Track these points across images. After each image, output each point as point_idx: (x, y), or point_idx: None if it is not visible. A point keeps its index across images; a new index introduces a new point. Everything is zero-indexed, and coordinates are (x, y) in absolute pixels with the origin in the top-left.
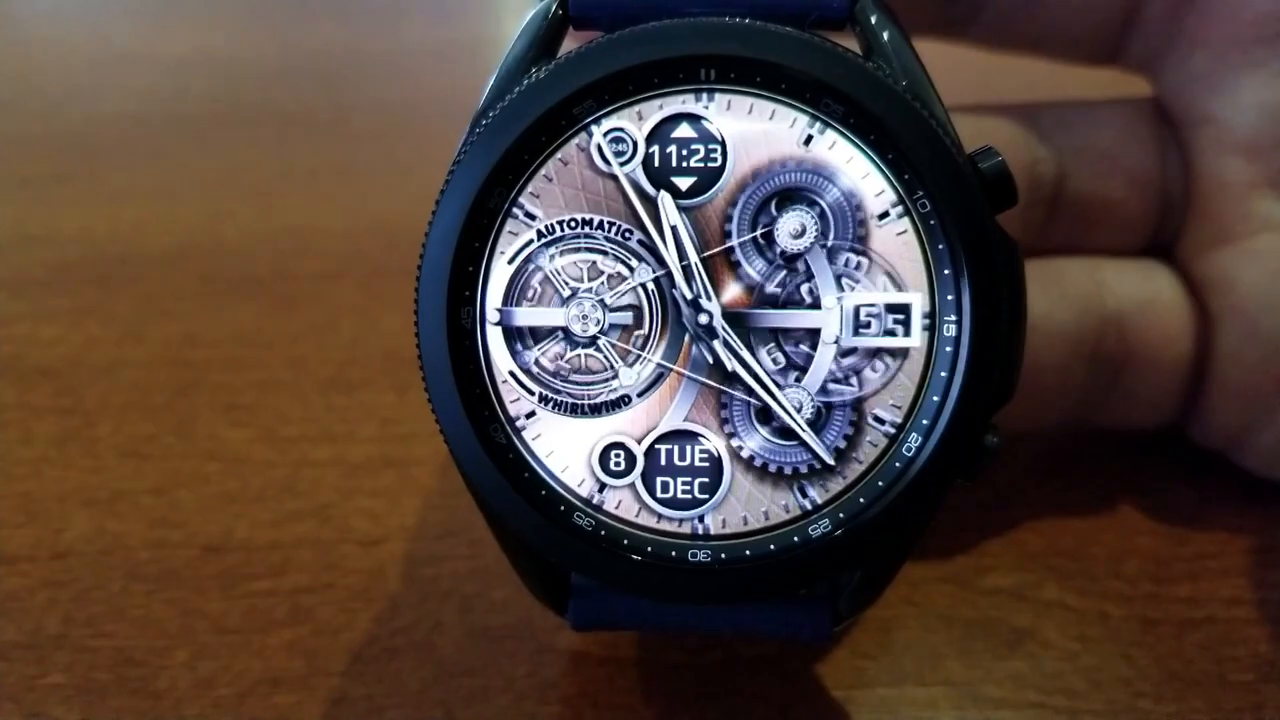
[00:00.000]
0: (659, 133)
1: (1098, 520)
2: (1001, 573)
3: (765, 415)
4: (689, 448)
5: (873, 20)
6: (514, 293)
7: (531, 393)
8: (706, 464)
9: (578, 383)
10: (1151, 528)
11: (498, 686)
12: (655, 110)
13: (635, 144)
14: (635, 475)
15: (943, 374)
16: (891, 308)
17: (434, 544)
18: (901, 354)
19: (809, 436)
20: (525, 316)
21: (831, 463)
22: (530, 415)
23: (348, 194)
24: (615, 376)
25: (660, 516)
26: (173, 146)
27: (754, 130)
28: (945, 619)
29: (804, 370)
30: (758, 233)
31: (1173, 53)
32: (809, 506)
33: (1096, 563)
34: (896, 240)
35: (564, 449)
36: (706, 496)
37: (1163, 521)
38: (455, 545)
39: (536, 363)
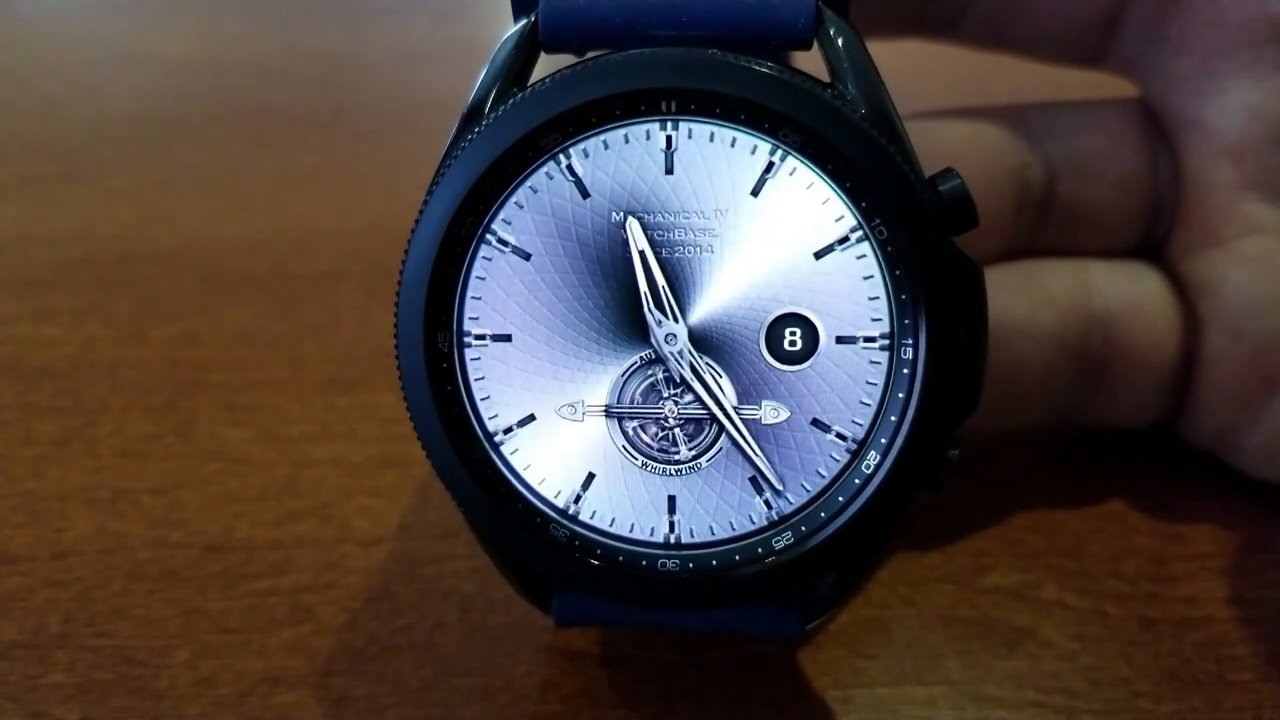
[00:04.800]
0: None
1: (1097, 520)
2: (1000, 572)
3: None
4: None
5: (839, 43)
6: None
7: None
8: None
9: None
10: (1151, 527)
11: (498, 686)
12: (620, 140)
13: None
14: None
15: (900, 395)
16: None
17: (434, 544)
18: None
19: (760, 461)
20: None
21: (779, 487)
22: (507, 431)
23: (348, 194)
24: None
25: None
26: (173, 146)
27: (715, 160)
28: (944, 618)
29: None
30: None
31: (1159, 56)
32: (774, 517)
33: (1095, 562)
34: (857, 264)
35: (541, 463)
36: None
37: (1162, 521)
38: (455, 545)
39: None
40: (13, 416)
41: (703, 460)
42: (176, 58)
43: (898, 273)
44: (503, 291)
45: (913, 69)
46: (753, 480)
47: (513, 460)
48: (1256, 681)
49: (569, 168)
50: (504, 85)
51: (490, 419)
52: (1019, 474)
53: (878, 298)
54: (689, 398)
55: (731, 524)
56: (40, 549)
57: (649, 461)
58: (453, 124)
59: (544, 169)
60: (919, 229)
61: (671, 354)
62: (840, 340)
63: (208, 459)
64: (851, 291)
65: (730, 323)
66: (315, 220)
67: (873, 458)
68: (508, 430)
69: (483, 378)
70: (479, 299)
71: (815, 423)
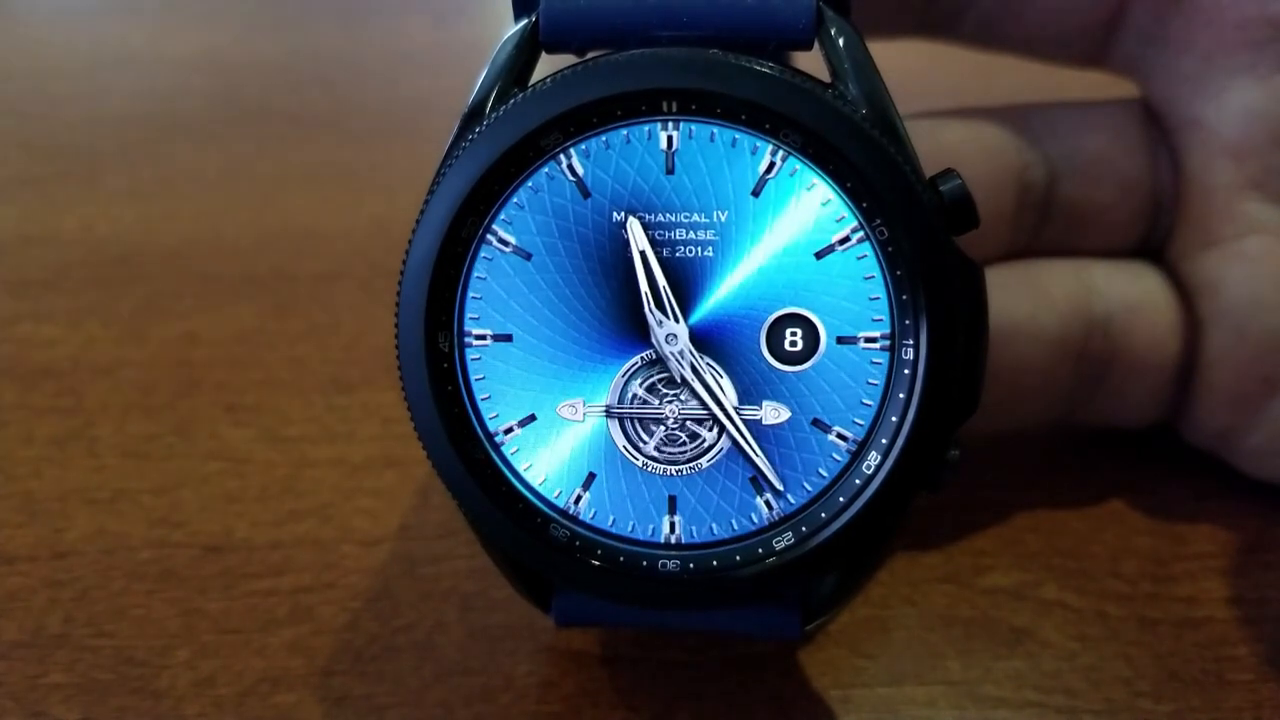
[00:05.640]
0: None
1: (1097, 520)
2: (1001, 572)
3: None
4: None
5: (840, 44)
6: None
7: None
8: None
9: None
10: (1151, 527)
11: (498, 685)
12: (621, 140)
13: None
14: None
15: (900, 395)
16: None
17: (434, 544)
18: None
19: (761, 461)
20: None
21: (780, 487)
22: (508, 431)
23: (348, 194)
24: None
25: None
26: (173, 146)
27: (715, 160)
28: (945, 618)
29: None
30: None
31: (1159, 56)
32: (775, 518)
33: (1096, 562)
34: (858, 265)
35: (542, 463)
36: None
37: (1162, 521)
38: (455, 545)
39: None
40: (13, 416)
41: (703, 460)
42: (176, 58)
43: (898, 273)
44: (503, 291)
45: (913, 69)
46: (753, 480)
47: (513, 460)
48: (1256, 681)
49: (570, 168)
50: (505, 85)
51: (491, 419)
52: (1019, 474)
53: (878, 298)
54: (689, 398)
55: (732, 524)
56: (40, 549)
57: (649, 462)
58: (453, 124)
59: (545, 169)
60: (920, 229)
61: (672, 354)
62: (841, 340)
63: (208, 459)
64: (852, 292)
65: (731, 323)
66: (315, 220)
67: (873, 458)
68: (508, 430)
69: (483, 378)
70: (480, 299)
71: (816, 423)
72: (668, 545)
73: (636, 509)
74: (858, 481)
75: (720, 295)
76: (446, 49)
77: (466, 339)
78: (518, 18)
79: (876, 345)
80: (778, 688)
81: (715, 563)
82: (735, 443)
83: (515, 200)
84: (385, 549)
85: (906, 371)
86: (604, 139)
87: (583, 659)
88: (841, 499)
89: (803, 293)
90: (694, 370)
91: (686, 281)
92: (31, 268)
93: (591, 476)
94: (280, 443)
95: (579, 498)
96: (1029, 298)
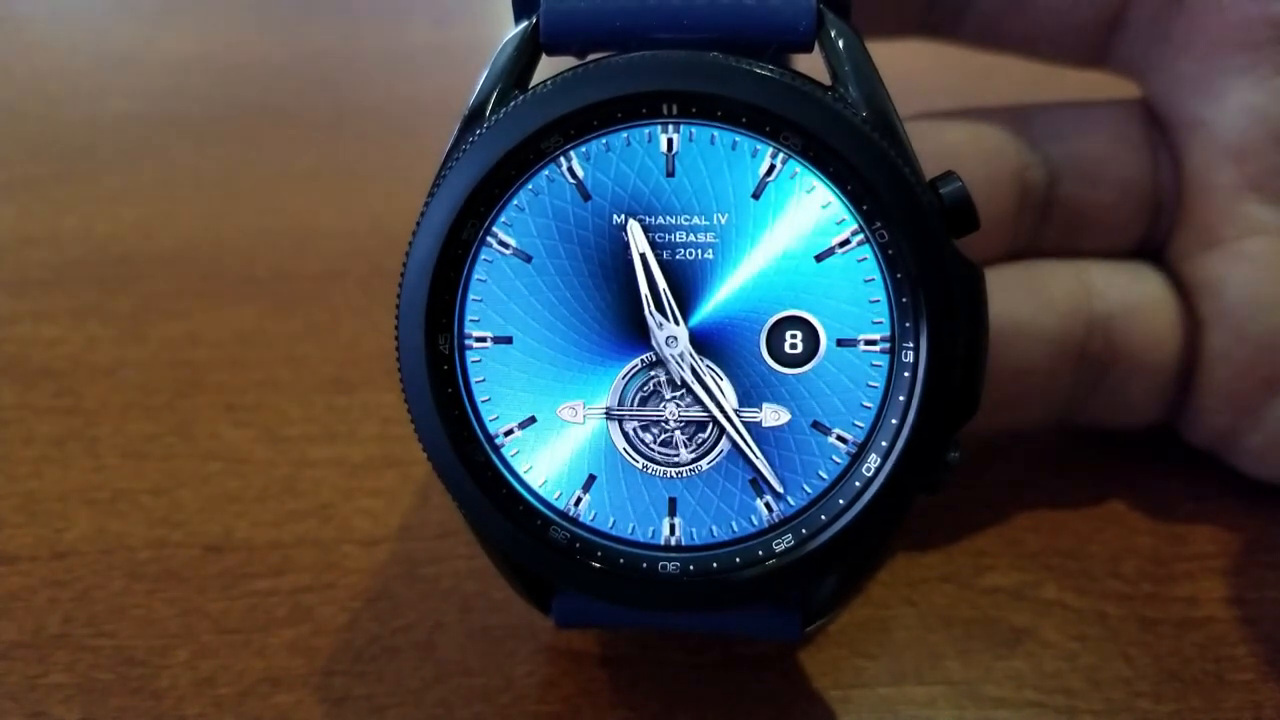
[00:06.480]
0: None
1: (1097, 520)
2: (1001, 572)
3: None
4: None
5: (840, 46)
6: None
7: None
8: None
9: None
10: (1151, 527)
11: (498, 686)
12: (621, 143)
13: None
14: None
15: (900, 398)
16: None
17: (434, 544)
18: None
19: (761, 464)
20: None
21: (780, 489)
22: (508, 433)
23: (348, 194)
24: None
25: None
26: (173, 146)
27: (716, 163)
28: (945, 618)
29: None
30: None
31: (1160, 56)
32: (775, 520)
33: (1095, 562)
34: (858, 267)
35: (542, 464)
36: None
37: (1162, 521)
38: (455, 545)
39: None
40: (13, 416)
41: (703, 463)
42: (176, 58)
43: (898, 276)
44: (503, 294)
45: (913, 69)
46: (753, 483)
47: (513, 462)
48: (1256, 681)
49: (570, 170)
50: (505, 87)
51: (491, 421)
52: (1019, 474)
53: (878, 301)
54: (690, 400)
55: (732, 526)
56: (40, 549)
57: (649, 464)
58: (454, 126)
59: (545, 171)
60: (920, 232)
61: (672, 356)
62: (841, 343)
63: (208, 459)
64: (852, 294)
65: (731, 325)
66: (315, 220)
67: (873, 460)
68: (508, 432)
69: (483, 380)
70: (480, 301)
71: (816, 425)
72: (668, 547)
73: (636, 511)
74: (857, 484)
75: (720, 298)
76: (446, 50)
77: (467, 341)
78: (518, 19)
79: (876, 348)
80: (778, 688)
81: (715, 565)
82: (735, 445)
83: (515, 203)
84: (385, 549)
85: (906, 374)
86: (604, 141)
87: (583, 659)
88: (841, 501)
89: (803, 295)
90: (694, 372)
91: (687, 284)
92: (31, 268)
93: (591, 478)
94: (280, 443)
95: (579, 499)
96: (1029, 299)
